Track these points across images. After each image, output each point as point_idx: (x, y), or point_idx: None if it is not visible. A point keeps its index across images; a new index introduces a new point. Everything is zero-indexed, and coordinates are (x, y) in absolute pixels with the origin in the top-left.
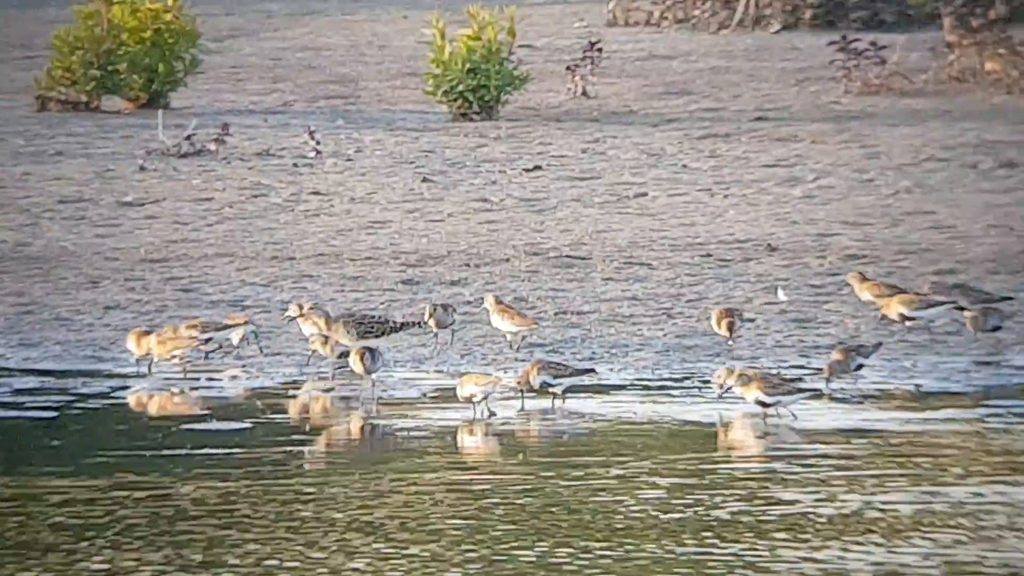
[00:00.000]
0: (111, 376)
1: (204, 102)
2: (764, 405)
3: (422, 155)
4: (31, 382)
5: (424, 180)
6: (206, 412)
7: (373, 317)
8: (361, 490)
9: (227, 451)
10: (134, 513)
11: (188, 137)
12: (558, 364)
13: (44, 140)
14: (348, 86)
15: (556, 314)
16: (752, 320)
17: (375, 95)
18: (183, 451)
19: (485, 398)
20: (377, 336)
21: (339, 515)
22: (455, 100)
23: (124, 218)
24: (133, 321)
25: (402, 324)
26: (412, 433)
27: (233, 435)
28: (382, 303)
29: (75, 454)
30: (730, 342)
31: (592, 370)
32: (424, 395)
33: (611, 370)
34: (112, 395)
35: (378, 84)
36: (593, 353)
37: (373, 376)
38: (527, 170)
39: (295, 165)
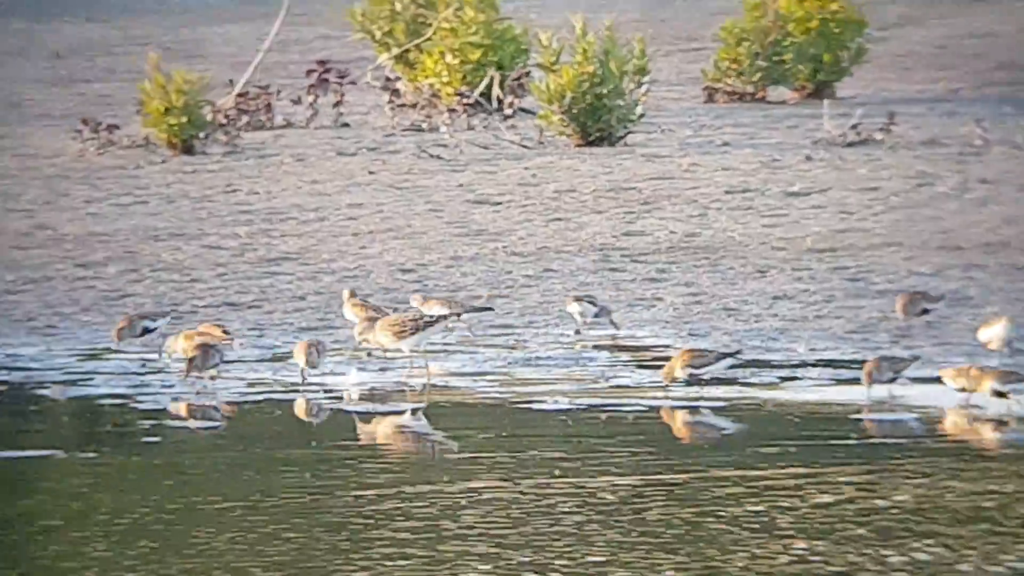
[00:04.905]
0: (779, 367)
1: (870, 91)
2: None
3: None
4: None
5: None
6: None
7: None
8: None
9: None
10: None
11: (854, 126)
12: None
13: (711, 131)
14: (1016, 73)
15: None
16: None
17: None
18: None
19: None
20: None
21: None
22: None
23: (791, 208)
24: (801, 311)
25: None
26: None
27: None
28: None
29: (739, 445)
30: None
31: None
32: None
33: None
34: (780, 386)
35: None
36: None
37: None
38: None
39: (961, 154)
